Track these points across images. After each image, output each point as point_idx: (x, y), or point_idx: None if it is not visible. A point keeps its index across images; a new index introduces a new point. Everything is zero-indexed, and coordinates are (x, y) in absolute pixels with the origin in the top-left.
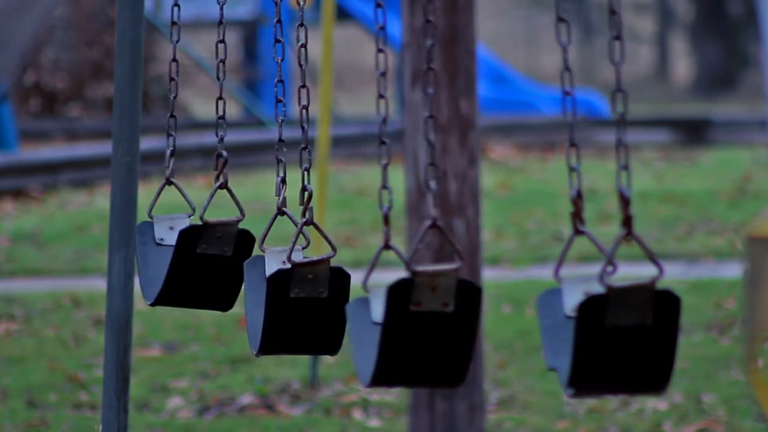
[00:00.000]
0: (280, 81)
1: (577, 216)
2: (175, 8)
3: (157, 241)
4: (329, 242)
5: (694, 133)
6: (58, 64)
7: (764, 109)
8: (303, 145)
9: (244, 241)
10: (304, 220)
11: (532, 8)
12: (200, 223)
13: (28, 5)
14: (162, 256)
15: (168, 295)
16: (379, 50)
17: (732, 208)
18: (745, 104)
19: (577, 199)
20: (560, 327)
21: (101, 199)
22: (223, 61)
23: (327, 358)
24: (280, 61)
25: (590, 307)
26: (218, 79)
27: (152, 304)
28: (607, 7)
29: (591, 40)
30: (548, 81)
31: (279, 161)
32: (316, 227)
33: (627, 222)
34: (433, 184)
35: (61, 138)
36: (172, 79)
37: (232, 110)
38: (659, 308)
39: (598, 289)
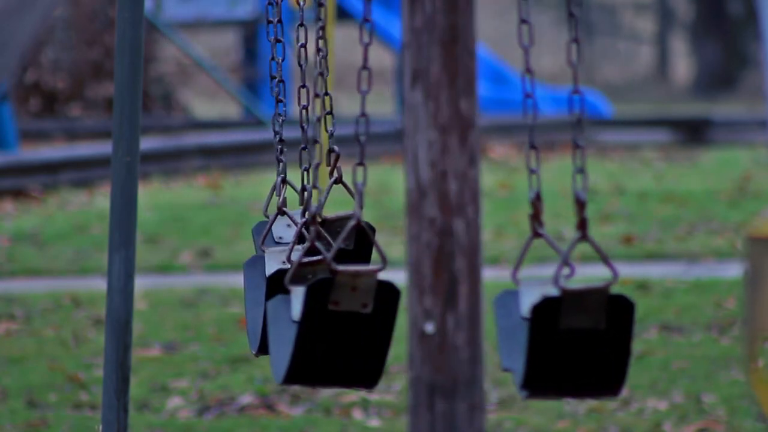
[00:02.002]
0: (281, 81)
1: (536, 218)
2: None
3: (276, 240)
4: (329, 242)
5: (694, 133)
6: (58, 64)
7: (764, 109)
8: (303, 145)
9: (363, 235)
10: (304, 219)
11: (532, 8)
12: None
13: (28, 5)
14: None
15: None
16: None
17: (732, 208)
18: (745, 104)
19: (536, 201)
20: (516, 329)
21: (101, 199)
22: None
23: None
24: (280, 61)
25: (544, 309)
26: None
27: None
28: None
29: (591, 40)
30: (548, 81)
31: (279, 161)
32: (317, 226)
33: (582, 225)
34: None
35: (61, 138)
36: (274, 78)
37: (232, 110)
38: (613, 313)
39: (554, 291)
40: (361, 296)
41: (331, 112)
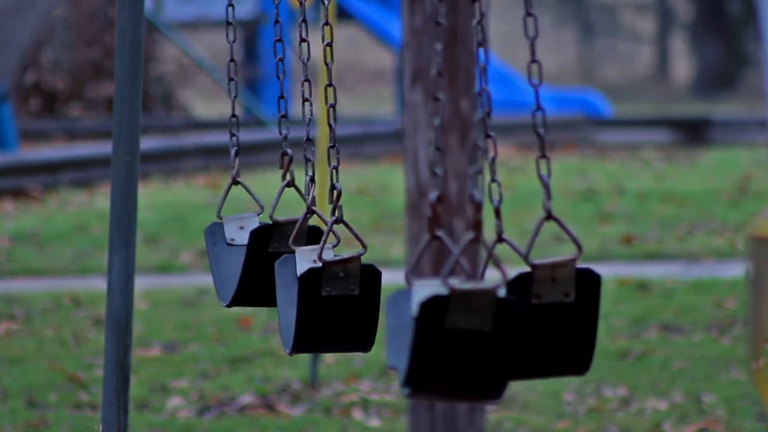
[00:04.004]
0: (307, 80)
1: (435, 221)
2: (230, 8)
3: (228, 242)
4: (360, 240)
5: (694, 133)
6: (58, 64)
7: (764, 109)
8: (331, 144)
9: (315, 238)
10: (334, 218)
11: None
12: (271, 222)
13: (28, 5)
14: (234, 256)
15: (243, 296)
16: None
17: (732, 208)
18: (745, 104)
19: (436, 204)
20: (405, 327)
21: (101, 199)
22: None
23: (327, 358)
24: (306, 60)
25: (431, 307)
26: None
27: (228, 306)
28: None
29: (591, 40)
30: (548, 81)
31: (307, 160)
32: (346, 225)
33: (477, 226)
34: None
35: (61, 138)
36: (231, 79)
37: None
38: (500, 315)
39: (444, 290)
40: (561, 286)
41: (285, 116)
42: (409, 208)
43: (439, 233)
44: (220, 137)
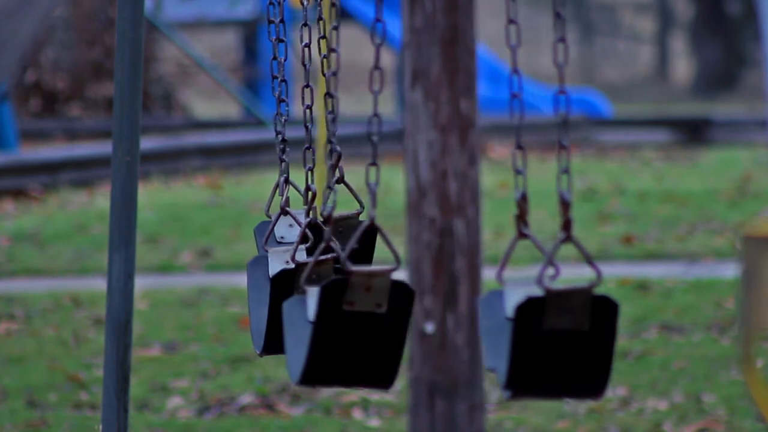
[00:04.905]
0: (283, 80)
1: (521, 219)
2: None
3: (278, 240)
4: (333, 243)
5: (694, 133)
6: (58, 64)
7: (764, 109)
8: (306, 145)
9: (367, 235)
10: (308, 219)
11: (532, 8)
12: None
13: (28, 5)
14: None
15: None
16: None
17: (732, 208)
18: (745, 104)
19: (522, 202)
20: (501, 329)
21: (101, 199)
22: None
23: None
24: (282, 60)
25: (528, 309)
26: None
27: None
28: (553, 10)
29: (591, 39)
30: (548, 81)
31: (282, 161)
32: (321, 227)
33: (566, 225)
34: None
35: (61, 138)
36: (275, 77)
37: (232, 110)
38: (597, 313)
39: (538, 291)
40: (376, 296)
41: (332, 112)
42: (409, 208)
43: (526, 231)
44: (220, 137)
